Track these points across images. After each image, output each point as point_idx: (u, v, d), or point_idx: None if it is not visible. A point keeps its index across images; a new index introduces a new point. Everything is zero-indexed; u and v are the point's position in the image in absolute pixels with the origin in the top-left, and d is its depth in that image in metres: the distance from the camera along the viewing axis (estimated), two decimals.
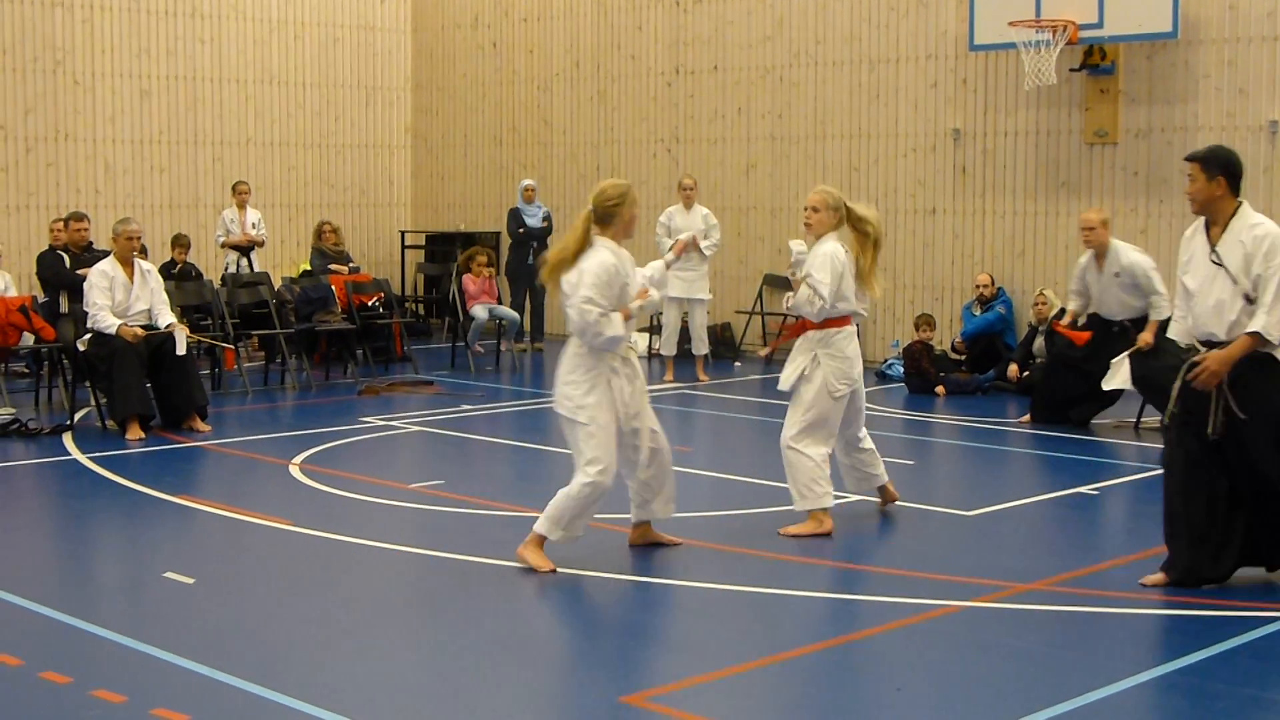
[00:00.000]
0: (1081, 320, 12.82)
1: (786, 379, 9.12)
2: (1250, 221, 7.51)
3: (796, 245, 9.47)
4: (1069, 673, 6.41)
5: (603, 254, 8.07)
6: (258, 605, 7.54)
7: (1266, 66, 14.31)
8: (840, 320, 8.97)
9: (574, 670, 6.53)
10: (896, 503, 9.66)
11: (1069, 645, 6.83)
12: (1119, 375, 11.83)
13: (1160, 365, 10.74)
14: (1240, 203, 7.59)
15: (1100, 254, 12.51)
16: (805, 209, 9.04)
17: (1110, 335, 12.52)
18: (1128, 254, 12.48)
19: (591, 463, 8.00)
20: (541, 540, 8.11)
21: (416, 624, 7.34)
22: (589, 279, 8.02)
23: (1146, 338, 12.15)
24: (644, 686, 6.22)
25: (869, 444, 9.44)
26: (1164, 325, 10.37)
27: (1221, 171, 7.54)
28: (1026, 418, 13.09)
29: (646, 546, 8.60)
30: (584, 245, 8.11)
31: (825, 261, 8.81)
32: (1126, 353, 11.88)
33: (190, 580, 7.89)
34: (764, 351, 17.19)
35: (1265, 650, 6.76)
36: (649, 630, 7.17)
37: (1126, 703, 6.09)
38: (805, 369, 9.00)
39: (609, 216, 8.11)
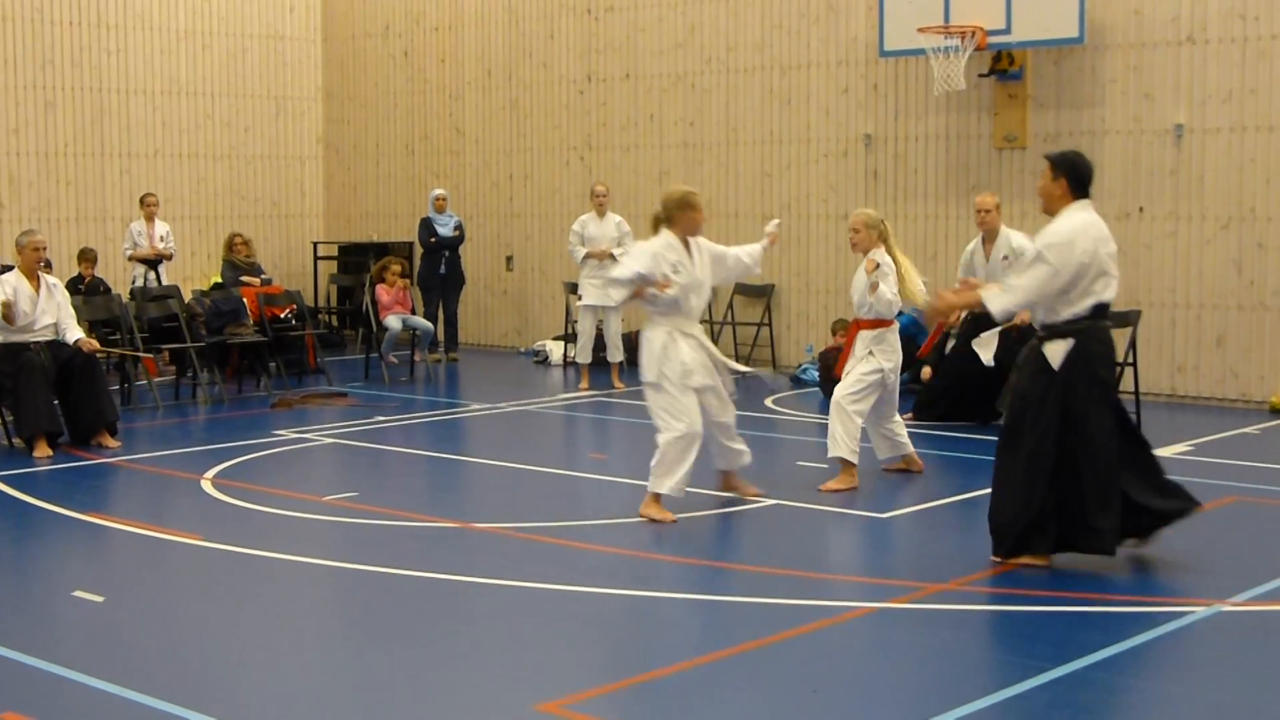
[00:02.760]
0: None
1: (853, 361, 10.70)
2: (1052, 226, 8.05)
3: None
4: (983, 671, 6.46)
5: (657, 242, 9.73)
6: (168, 622, 7.44)
7: (1171, 71, 14.51)
8: (889, 321, 10.69)
9: (489, 679, 6.49)
10: (810, 506, 9.71)
11: (982, 644, 6.89)
12: (987, 349, 11.79)
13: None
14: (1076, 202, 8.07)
15: (990, 238, 12.93)
16: (850, 230, 10.72)
17: (992, 322, 12.59)
18: (1017, 237, 12.75)
19: (673, 418, 9.57)
20: (657, 497, 9.46)
21: (329, 637, 7.28)
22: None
23: (1026, 315, 12.34)
24: (560, 694, 6.19)
25: (900, 420, 11.01)
26: None
27: (1064, 173, 8.06)
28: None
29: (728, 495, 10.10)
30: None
31: (889, 272, 10.49)
32: (1000, 327, 11.79)
33: (100, 598, 7.77)
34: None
35: (1174, 646, 6.85)
36: (565, 638, 7.14)
37: (1039, 700, 6.13)
38: (862, 355, 10.66)
39: (669, 219, 9.74)
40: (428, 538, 9.23)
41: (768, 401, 14.56)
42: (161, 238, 17.88)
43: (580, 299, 16.02)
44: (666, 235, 9.79)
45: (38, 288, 12.49)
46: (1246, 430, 13.09)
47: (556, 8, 19.10)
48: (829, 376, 15.05)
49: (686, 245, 9.80)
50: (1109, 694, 6.28)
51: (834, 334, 15.37)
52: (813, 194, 16.82)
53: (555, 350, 18.27)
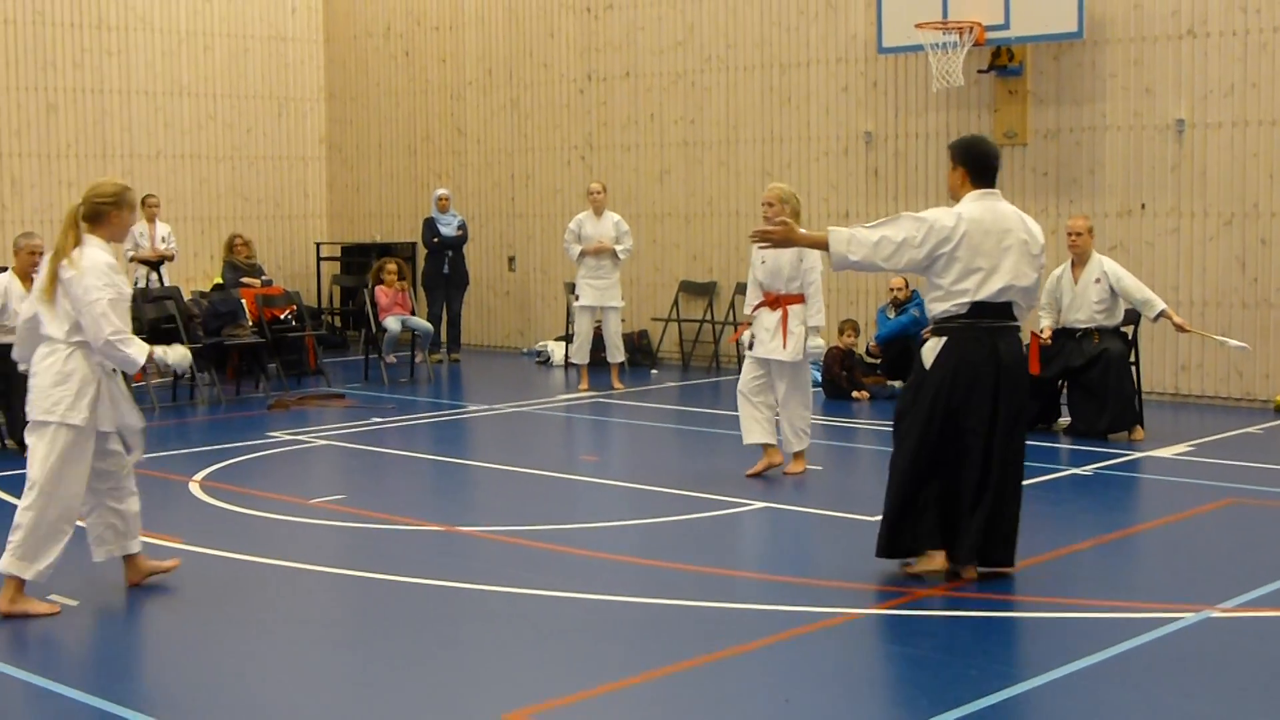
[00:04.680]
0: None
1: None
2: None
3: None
4: (961, 680, 6.34)
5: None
6: (139, 626, 7.37)
7: (1172, 65, 14.38)
8: None
9: (457, 686, 6.40)
10: (801, 510, 9.62)
11: (962, 651, 6.76)
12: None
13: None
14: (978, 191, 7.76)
15: (1080, 261, 12.62)
16: (764, 205, 10.63)
17: (1075, 341, 12.53)
18: (1110, 263, 12.63)
19: None
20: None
21: (301, 642, 7.19)
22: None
23: (1049, 332, 12.50)
24: (527, 702, 6.10)
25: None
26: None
27: (960, 161, 7.81)
28: None
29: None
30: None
31: None
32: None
33: (74, 602, 7.70)
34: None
35: (1157, 654, 6.72)
36: (540, 644, 7.04)
37: (1018, 708, 6.03)
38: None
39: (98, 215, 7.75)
40: (412, 542, 9.15)
41: None
42: (163, 239, 17.85)
43: (578, 299, 15.93)
44: None
45: (30, 290, 12.40)
46: (1250, 430, 12.95)
47: (556, 7, 19.01)
48: (830, 376, 14.97)
49: None
50: (1093, 703, 6.17)
51: (840, 334, 15.26)
52: (813, 192, 16.70)
53: (557, 351, 18.19)
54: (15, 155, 18.54)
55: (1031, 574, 8.15)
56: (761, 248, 7.69)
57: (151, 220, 17.84)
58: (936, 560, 7.94)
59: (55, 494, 7.57)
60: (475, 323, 20.12)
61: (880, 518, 8.02)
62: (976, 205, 7.69)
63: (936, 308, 7.77)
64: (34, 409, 7.63)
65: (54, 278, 7.60)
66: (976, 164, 7.79)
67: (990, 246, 7.61)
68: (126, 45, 19.66)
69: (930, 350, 7.77)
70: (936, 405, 7.67)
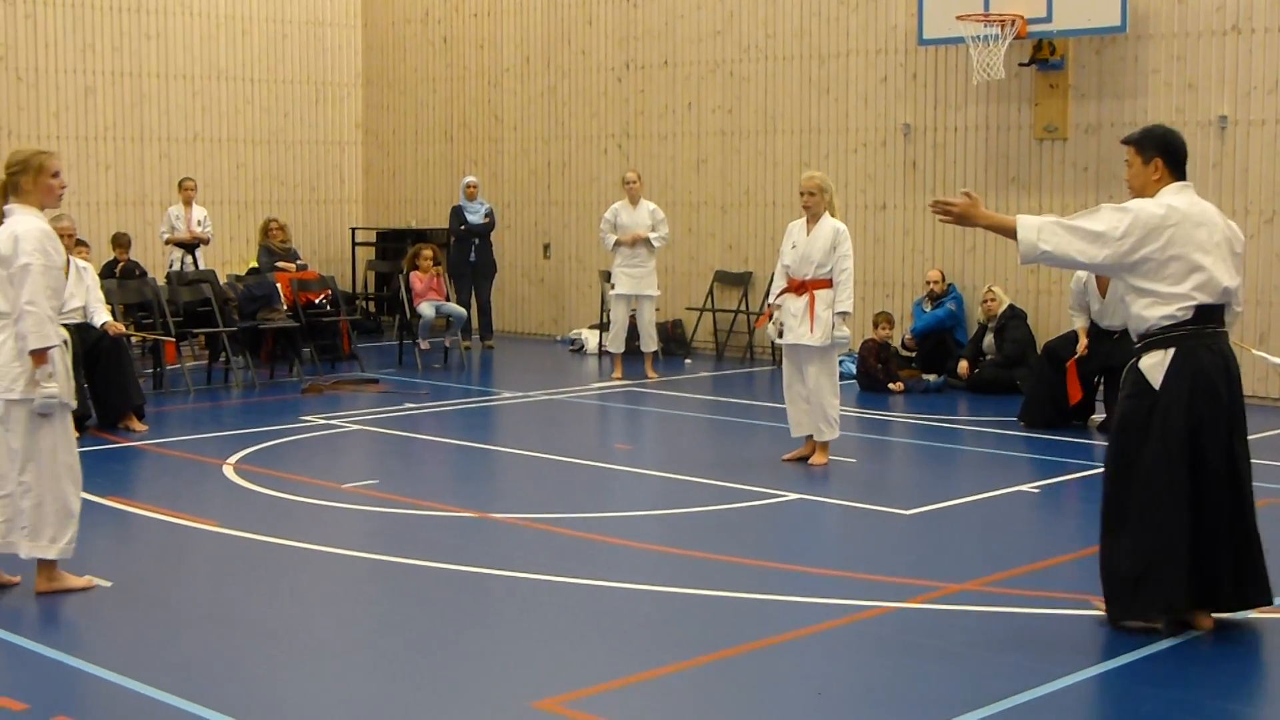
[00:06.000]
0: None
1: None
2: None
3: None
4: (995, 676, 6.29)
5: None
6: (173, 609, 7.36)
7: (1215, 61, 14.24)
8: None
9: (488, 673, 6.38)
10: (833, 502, 9.58)
11: (996, 647, 6.71)
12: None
13: None
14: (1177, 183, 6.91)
15: None
16: (806, 194, 11.01)
17: (1113, 340, 12.43)
18: None
19: None
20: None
21: (332, 627, 7.18)
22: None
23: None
24: (558, 691, 6.07)
25: None
26: None
27: (1158, 152, 6.93)
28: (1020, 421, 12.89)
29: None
30: None
31: None
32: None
33: (108, 583, 7.71)
34: None
35: (1192, 653, 6.65)
36: (572, 633, 7.02)
37: (1052, 706, 5.98)
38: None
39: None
40: (444, 527, 9.14)
41: None
42: (199, 222, 17.91)
43: (613, 288, 15.90)
44: None
45: (67, 271, 12.44)
46: None
47: None
48: (865, 369, 14.90)
49: None
50: (1125, 701, 6.12)
51: (875, 326, 15.19)
52: (851, 183, 16.62)
53: (591, 339, 18.16)
54: (53, 138, 18.57)
55: (1065, 570, 8.11)
56: (943, 220, 6.96)
57: (188, 203, 17.91)
58: (1195, 619, 6.93)
59: (49, 469, 7.52)
60: (509, 310, 20.11)
61: (1103, 567, 7.03)
62: (1180, 198, 6.82)
63: (1152, 314, 6.78)
64: None
65: None
66: (1175, 154, 6.91)
67: (1204, 241, 6.76)
68: (165, 29, 19.69)
69: (1155, 366, 6.78)
70: (1175, 426, 6.70)
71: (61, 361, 7.52)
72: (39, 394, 7.36)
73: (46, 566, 7.57)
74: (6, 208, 7.51)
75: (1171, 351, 6.75)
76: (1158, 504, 6.73)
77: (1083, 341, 12.61)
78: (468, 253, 18.35)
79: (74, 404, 7.70)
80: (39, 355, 7.33)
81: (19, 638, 6.82)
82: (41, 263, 7.32)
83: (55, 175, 7.61)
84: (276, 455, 11.41)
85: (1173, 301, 6.73)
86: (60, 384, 7.45)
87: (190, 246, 17.77)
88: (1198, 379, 6.71)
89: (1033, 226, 6.76)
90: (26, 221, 7.42)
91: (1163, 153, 6.91)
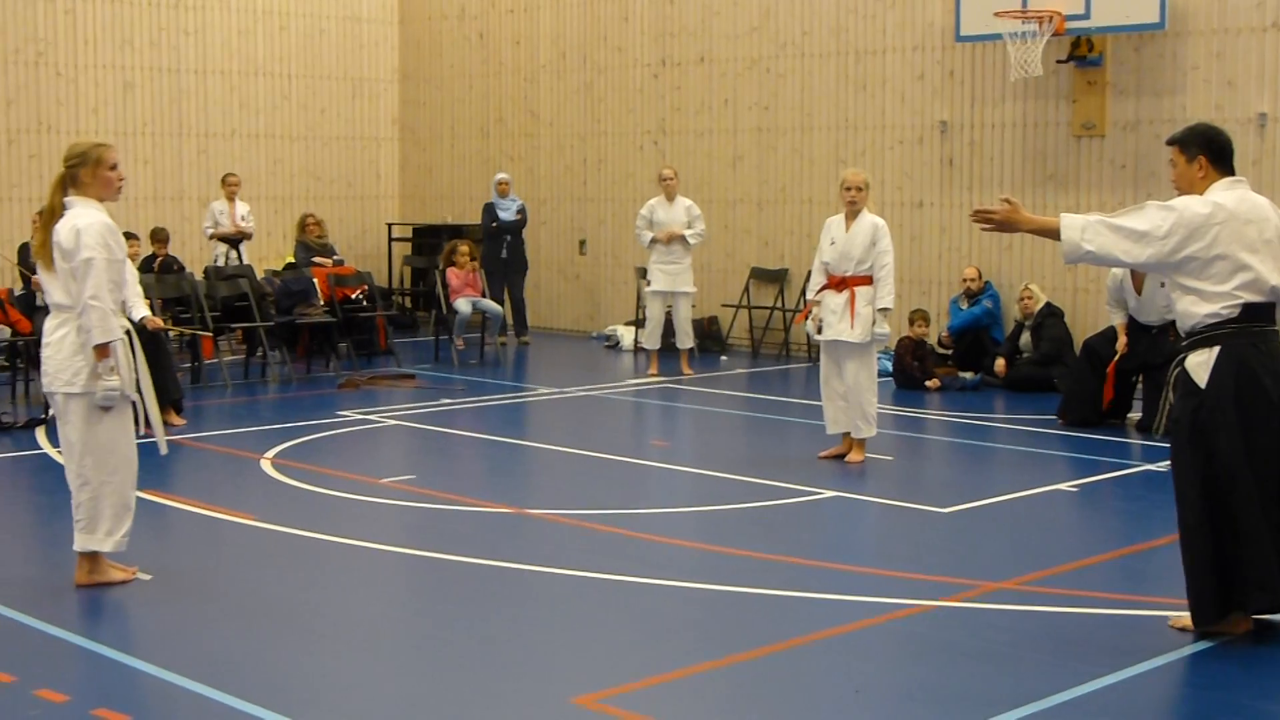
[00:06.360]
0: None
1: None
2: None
3: None
4: (1033, 674, 6.28)
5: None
6: (211, 602, 7.40)
7: (1255, 58, 14.16)
8: None
9: (526, 669, 6.40)
10: (870, 499, 9.57)
11: (1034, 646, 6.69)
12: None
13: None
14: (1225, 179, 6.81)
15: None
16: (854, 189, 11.00)
17: (1151, 336, 12.39)
18: None
19: None
20: None
21: (368, 622, 7.21)
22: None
23: None
24: (597, 687, 6.08)
25: None
26: None
27: (1201, 149, 6.84)
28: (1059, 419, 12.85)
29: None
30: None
31: None
32: None
33: (148, 576, 7.76)
34: None
35: (1232, 653, 6.61)
36: (610, 629, 7.03)
37: (1091, 705, 5.95)
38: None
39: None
40: (480, 523, 9.16)
41: None
42: (243, 217, 18.06)
43: (649, 284, 15.90)
44: None
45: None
46: None
47: None
48: (901, 366, 14.87)
49: None
50: (1166, 701, 6.10)
51: (911, 324, 15.15)
52: (887, 181, 16.59)
53: (626, 335, 18.17)
54: (92, 133, 18.64)
55: (1103, 570, 8.08)
56: (984, 229, 6.86)
57: (231, 199, 18.04)
58: (1241, 625, 6.83)
59: (107, 462, 7.57)
60: (544, 306, 20.14)
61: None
62: (1229, 194, 6.70)
63: (1198, 311, 6.68)
64: (55, 382, 7.51)
65: (46, 242, 7.49)
66: (1218, 150, 6.81)
67: (1253, 238, 6.63)
68: (203, 24, 19.78)
69: (1201, 365, 6.69)
70: (1224, 425, 6.62)
71: (124, 354, 7.57)
72: (100, 387, 7.41)
73: (89, 558, 7.63)
74: (66, 200, 7.55)
75: (1217, 350, 6.66)
76: (1205, 502, 6.64)
77: (1122, 339, 12.56)
78: (499, 249, 18.38)
79: (135, 396, 7.74)
80: (102, 349, 7.37)
81: (60, 630, 6.87)
82: (104, 257, 7.36)
83: (113, 168, 7.65)
84: (314, 450, 11.46)
85: (1218, 300, 6.64)
86: (122, 377, 7.51)
87: (234, 241, 17.89)
88: (1243, 377, 6.61)
89: (1076, 226, 6.67)
90: (88, 215, 7.46)
91: (1206, 149, 6.83)
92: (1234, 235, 6.62)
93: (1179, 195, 6.86)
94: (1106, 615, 7.28)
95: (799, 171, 17.45)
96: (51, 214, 7.53)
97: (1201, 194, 6.77)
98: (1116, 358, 12.54)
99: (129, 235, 13.72)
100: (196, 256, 18.44)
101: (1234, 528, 6.63)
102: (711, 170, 18.24)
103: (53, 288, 7.54)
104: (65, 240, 7.38)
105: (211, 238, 18.05)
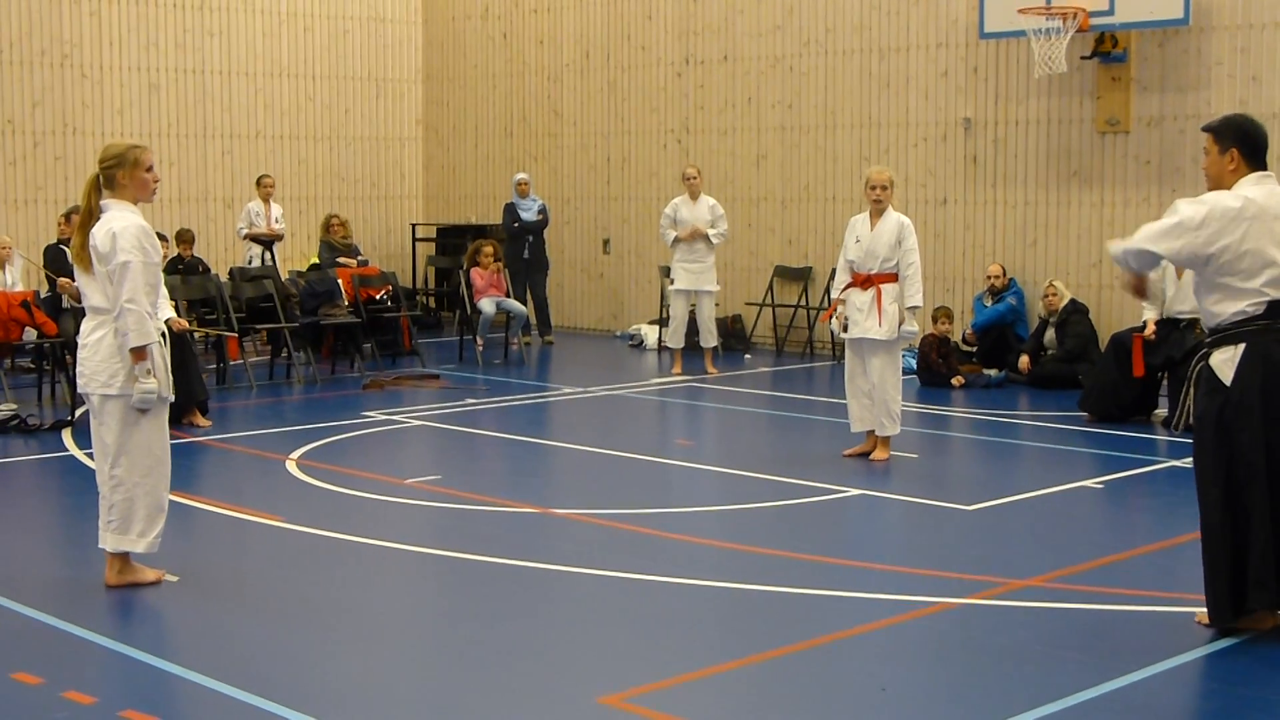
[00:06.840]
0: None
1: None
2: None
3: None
4: (1060, 672, 6.26)
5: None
6: (238, 603, 7.43)
7: None
8: None
9: (552, 669, 6.41)
10: (895, 497, 9.56)
11: (1061, 643, 6.67)
12: None
13: None
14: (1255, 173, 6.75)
15: None
16: (879, 189, 10.87)
17: (1179, 331, 12.36)
18: None
19: None
20: None
21: (395, 622, 7.23)
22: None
23: None
24: (623, 687, 6.09)
25: None
26: None
27: (1233, 142, 6.78)
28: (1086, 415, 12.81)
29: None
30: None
31: None
32: None
33: (175, 578, 7.79)
34: None
35: (1259, 649, 6.59)
36: (636, 628, 7.04)
37: (1118, 703, 5.94)
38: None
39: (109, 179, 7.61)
40: (506, 523, 9.17)
41: None
42: (277, 219, 18.17)
43: (673, 283, 15.91)
44: None
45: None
46: None
47: None
48: (926, 364, 14.85)
49: None
50: (1192, 698, 6.09)
51: (935, 321, 15.13)
52: (911, 178, 16.57)
53: (650, 334, 18.18)
54: (117, 134, 18.74)
55: (1130, 566, 8.06)
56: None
57: (266, 200, 18.17)
58: (1267, 620, 6.80)
59: (142, 463, 7.60)
60: (568, 305, 20.16)
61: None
62: (1259, 189, 6.67)
63: (1223, 309, 6.68)
64: (92, 383, 7.53)
65: (84, 244, 7.50)
66: (1251, 143, 6.75)
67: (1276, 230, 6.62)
68: (227, 26, 19.85)
69: (1226, 362, 6.66)
70: (1248, 422, 6.58)
71: (160, 356, 7.61)
72: (137, 389, 7.44)
73: (119, 559, 7.67)
74: (103, 203, 7.57)
75: (1242, 347, 6.64)
76: (1227, 500, 6.63)
77: (1150, 327, 12.52)
78: (521, 249, 18.40)
79: (171, 398, 7.77)
80: (139, 352, 7.40)
81: (88, 631, 6.90)
82: (141, 260, 7.38)
83: (149, 169, 7.66)
84: (339, 450, 11.49)
85: (1244, 297, 6.62)
86: (159, 379, 7.54)
87: (268, 242, 17.98)
88: (1269, 374, 6.59)
89: (1119, 240, 6.88)
90: (124, 218, 7.48)
91: (1239, 142, 6.78)
92: (1264, 231, 6.62)
93: (1209, 184, 6.85)
94: (1133, 612, 7.25)
95: (823, 169, 17.44)
96: (88, 216, 7.56)
97: (1230, 186, 6.74)
98: (1142, 334, 12.48)
99: (159, 237, 13.79)
100: (221, 258, 18.52)
101: (1249, 525, 6.61)
102: (735, 168, 18.24)
103: (90, 290, 7.57)
104: (102, 243, 7.41)
105: (245, 238, 18.15)
